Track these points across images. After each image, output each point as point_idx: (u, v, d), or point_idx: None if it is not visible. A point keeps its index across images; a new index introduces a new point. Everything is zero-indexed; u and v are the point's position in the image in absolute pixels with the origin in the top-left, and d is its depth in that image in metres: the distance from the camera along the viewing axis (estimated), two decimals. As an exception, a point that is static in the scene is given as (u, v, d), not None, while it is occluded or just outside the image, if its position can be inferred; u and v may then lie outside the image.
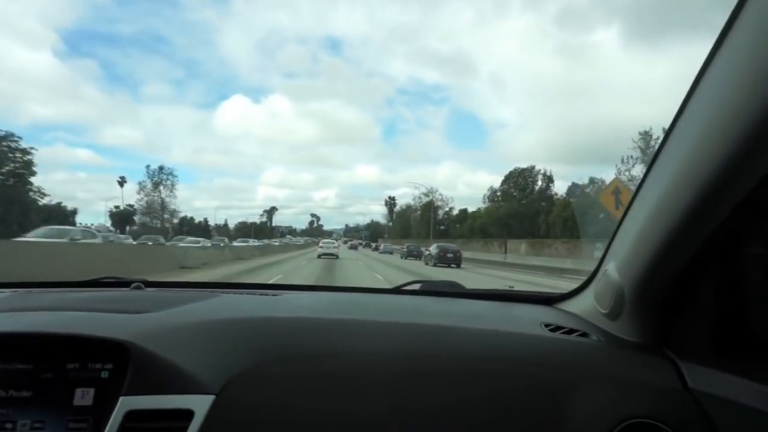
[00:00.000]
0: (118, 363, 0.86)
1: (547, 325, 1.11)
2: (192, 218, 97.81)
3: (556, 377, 0.93)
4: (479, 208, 72.06)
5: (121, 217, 76.34)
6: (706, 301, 0.90)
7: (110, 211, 78.73)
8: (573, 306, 1.28)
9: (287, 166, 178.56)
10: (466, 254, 31.86)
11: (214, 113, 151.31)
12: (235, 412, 0.83)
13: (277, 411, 0.84)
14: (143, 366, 0.84)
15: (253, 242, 50.40)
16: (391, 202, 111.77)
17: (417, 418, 0.87)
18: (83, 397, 0.85)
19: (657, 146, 0.85)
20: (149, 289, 1.36)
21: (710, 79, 0.70)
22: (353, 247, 64.96)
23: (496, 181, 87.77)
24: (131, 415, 0.81)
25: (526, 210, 59.38)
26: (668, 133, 0.81)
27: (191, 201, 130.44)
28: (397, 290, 1.55)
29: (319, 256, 32.33)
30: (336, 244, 38.48)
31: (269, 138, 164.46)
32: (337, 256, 32.66)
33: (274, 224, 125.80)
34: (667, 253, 0.84)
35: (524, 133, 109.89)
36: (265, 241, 63.57)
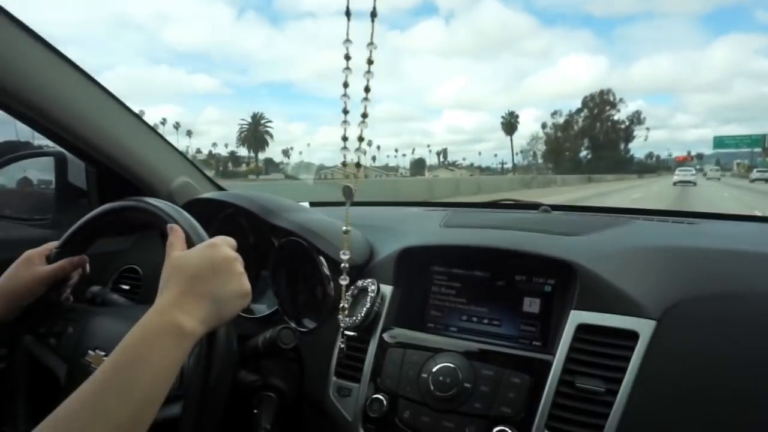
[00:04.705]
0: (560, 280, 0.93)
1: None
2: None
3: None
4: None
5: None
6: None
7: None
8: None
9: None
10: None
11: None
12: (676, 341, 0.82)
13: (716, 347, 0.81)
14: (588, 285, 0.89)
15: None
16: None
17: None
18: (530, 305, 0.95)
19: None
20: (555, 212, 1.40)
21: None
22: None
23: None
24: (581, 328, 0.86)
25: None
26: None
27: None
28: None
29: (674, 184, 36.85)
30: (693, 172, 44.06)
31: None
32: (694, 183, 37.21)
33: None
34: None
35: None
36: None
